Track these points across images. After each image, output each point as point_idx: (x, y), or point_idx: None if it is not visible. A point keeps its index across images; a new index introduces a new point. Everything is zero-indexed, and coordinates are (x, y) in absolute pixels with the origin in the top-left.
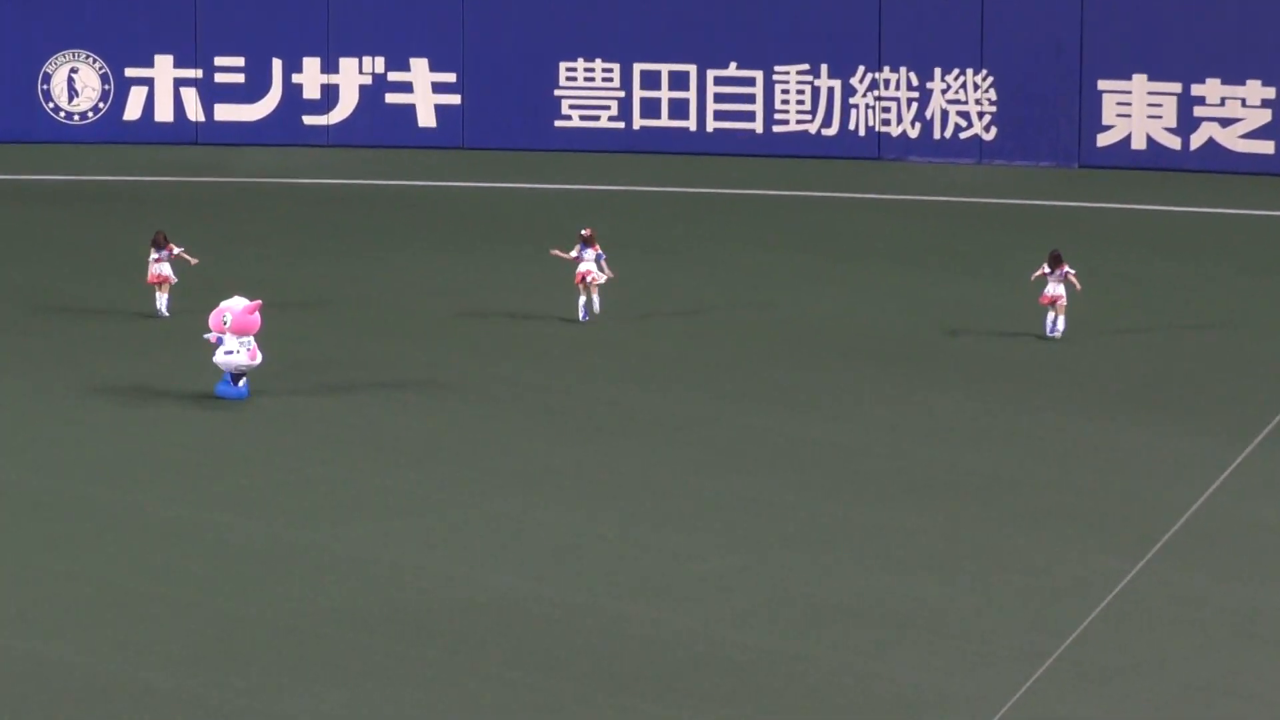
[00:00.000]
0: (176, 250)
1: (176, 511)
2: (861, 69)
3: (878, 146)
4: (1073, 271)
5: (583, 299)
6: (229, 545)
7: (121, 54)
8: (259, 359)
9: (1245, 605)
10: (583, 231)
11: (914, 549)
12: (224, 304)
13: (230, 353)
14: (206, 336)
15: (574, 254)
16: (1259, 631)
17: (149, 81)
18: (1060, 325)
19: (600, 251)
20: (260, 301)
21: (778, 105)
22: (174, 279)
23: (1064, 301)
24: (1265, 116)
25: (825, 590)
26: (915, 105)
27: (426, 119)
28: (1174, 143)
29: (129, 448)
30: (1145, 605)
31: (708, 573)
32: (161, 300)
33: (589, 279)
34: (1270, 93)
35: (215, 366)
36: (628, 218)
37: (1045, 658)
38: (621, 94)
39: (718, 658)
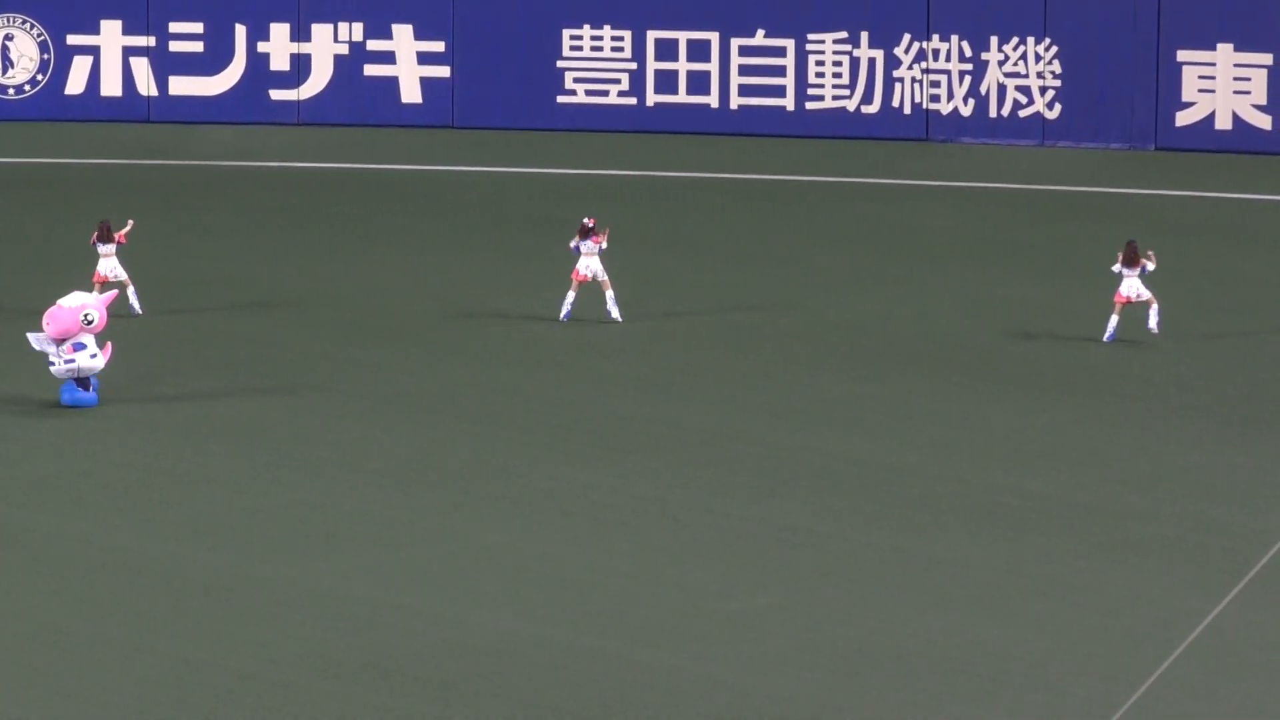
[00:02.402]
0: (121, 235)
1: (123, 541)
2: (907, 37)
3: (926, 126)
4: (1150, 262)
5: (572, 295)
6: (183, 579)
7: (63, 19)
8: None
9: None
10: (585, 221)
11: (972, 585)
12: (75, 303)
13: (94, 355)
14: (56, 349)
15: (572, 244)
16: None
17: (94, 50)
18: (1154, 322)
19: (602, 244)
20: (116, 293)
21: (812, 79)
22: (124, 276)
23: (1148, 296)
24: None
25: (870, 632)
26: (969, 79)
27: (411, 94)
28: (1264, 121)
29: (69, 467)
30: (1234, 649)
31: (735, 613)
32: (133, 297)
33: (593, 278)
34: None
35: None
36: (641, 206)
37: (1119, 708)
38: (633, 66)
39: (747, 710)
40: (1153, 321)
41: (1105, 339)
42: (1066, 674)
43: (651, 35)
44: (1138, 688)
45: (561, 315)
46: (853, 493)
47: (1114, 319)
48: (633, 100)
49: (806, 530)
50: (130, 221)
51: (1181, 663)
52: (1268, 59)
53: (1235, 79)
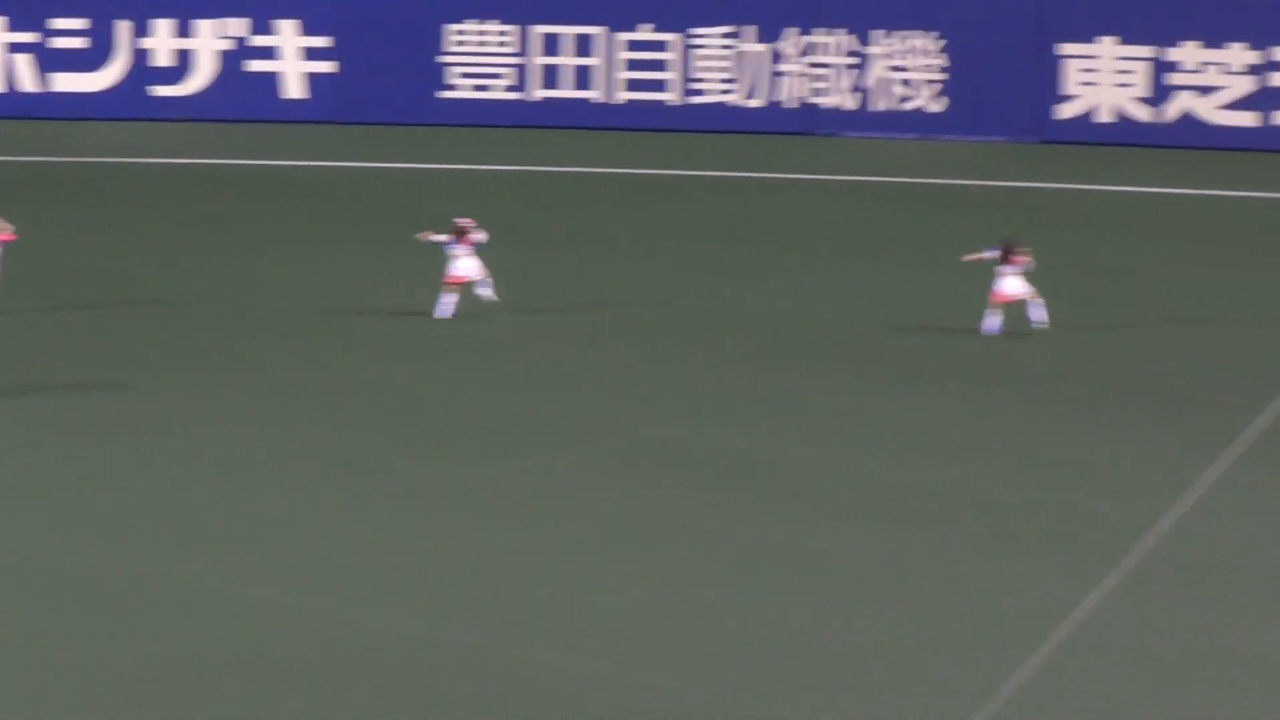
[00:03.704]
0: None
1: None
2: (792, 32)
3: (810, 120)
4: (1027, 258)
5: (449, 299)
6: (60, 577)
7: None
8: None
9: (1217, 640)
10: (459, 222)
11: (854, 577)
12: None
13: None
14: None
15: (440, 238)
16: (1232, 671)
17: None
18: (1040, 315)
19: (478, 239)
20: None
21: (697, 73)
22: None
23: (1030, 292)
24: (1248, 85)
25: (753, 625)
26: (854, 73)
27: (295, 89)
28: (1146, 115)
29: None
30: (1107, 639)
31: (619, 606)
32: None
33: (471, 280)
34: (1254, 57)
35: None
36: (526, 202)
37: (997, 697)
38: (519, 60)
39: (627, 704)
40: (1037, 315)
41: (982, 332)
42: (946, 663)
43: (537, 30)
44: (1014, 678)
45: (440, 313)
46: (737, 486)
47: (993, 316)
48: (518, 95)
49: (689, 523)
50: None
51: (1055, 653)
52: (1149, 52)
53: (1118, 72)
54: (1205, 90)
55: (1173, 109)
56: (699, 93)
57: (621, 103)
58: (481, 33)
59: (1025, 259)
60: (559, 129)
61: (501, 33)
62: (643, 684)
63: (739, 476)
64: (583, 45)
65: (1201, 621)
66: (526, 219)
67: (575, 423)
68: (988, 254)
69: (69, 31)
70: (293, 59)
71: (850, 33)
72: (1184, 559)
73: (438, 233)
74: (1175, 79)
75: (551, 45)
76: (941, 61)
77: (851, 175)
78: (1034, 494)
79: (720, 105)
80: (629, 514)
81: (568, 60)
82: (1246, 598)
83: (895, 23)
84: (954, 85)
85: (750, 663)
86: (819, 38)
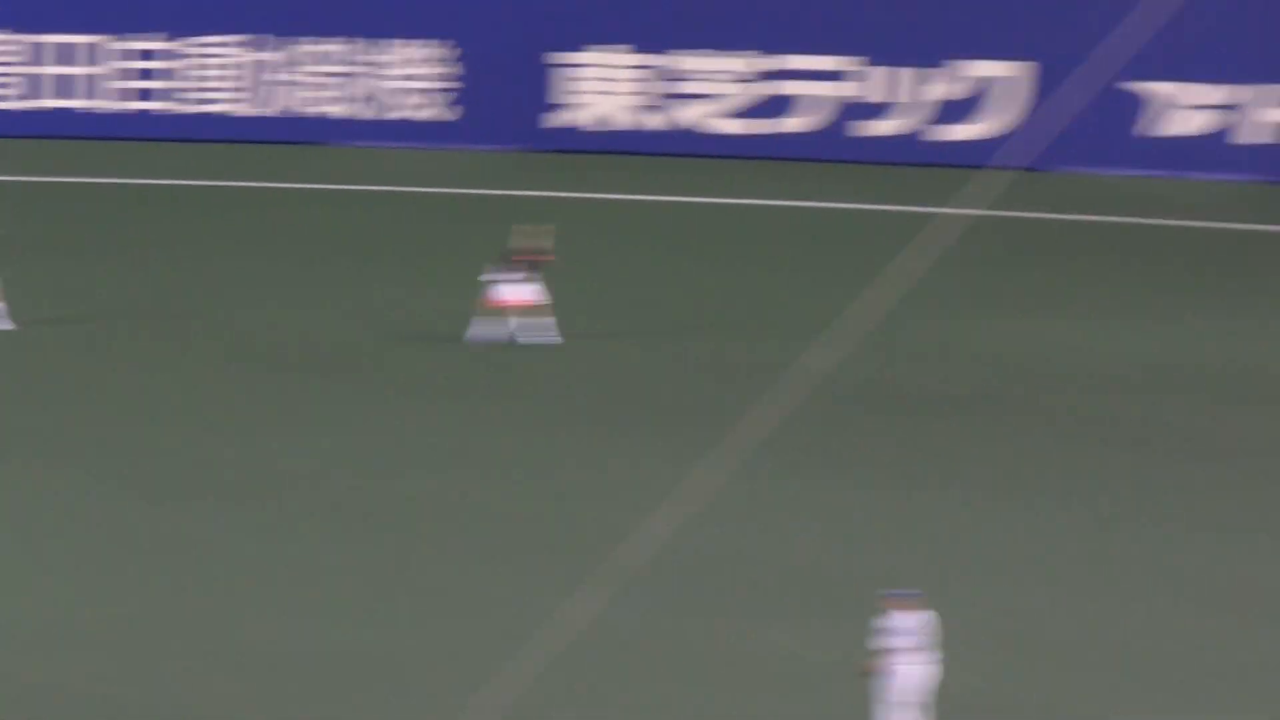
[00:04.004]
0: None
1: None
2: (297, 39)
3: (313, 129)
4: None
5: None
6: None
7: None
8: None
9: (711, 643)
10: None
11: (343, 588)
12: None
13: None
14: None
15: None
16: (725, 672)
17: None
18: (541, 334)
19: None
20: None
21: (201, 82)
22: None
23: (537, 302)
24: (745, 93)
25: (237, 637)
26: (356, 81)
27: None
28: (644, 122)
29: None
30: (600, 645)
31: (101, 619)
32: None
33: None
34: (752, 66)
35: None
36: (18, 212)
37: (481, 708)
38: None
39: (103, 716)
40: (537, 333)
41: (470, 340)
42: (433, 674)
43: (44, 39)
44: (502, 686)
45: None
46: (226, 499)
47: (486, 322)
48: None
49: (179, 537)
50: None
51: (546, 660)
52: (645, 60)
53: (617, 80)
54: (703, 98)
55: (670, 117)
56: (203, 101)
57: (122, 111)
58: None
59: (539, 258)
60: (52, 139)
61: None
62: (119, 696)
63: (230, 490)
64: (77, 54)
65: (694, 625)
66: (19, 229)
67: (68, 435)
68: (496, 275)
69: None
70: None
71: (355, 41)
72: (675, 564)
73: None
74: (673, 88)
75: (47, 55)
76: (444, 70)
77: (350, 185)
78: (525, 503)
79: (223, 115)
80: (117, 527)
81: (61, 69)
82: (737, 600)
83: (399, 31)
84: (456, 94)
85: (232, 674)
86: (324, 46)
